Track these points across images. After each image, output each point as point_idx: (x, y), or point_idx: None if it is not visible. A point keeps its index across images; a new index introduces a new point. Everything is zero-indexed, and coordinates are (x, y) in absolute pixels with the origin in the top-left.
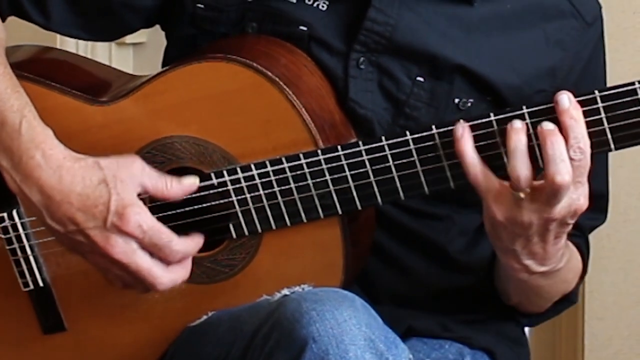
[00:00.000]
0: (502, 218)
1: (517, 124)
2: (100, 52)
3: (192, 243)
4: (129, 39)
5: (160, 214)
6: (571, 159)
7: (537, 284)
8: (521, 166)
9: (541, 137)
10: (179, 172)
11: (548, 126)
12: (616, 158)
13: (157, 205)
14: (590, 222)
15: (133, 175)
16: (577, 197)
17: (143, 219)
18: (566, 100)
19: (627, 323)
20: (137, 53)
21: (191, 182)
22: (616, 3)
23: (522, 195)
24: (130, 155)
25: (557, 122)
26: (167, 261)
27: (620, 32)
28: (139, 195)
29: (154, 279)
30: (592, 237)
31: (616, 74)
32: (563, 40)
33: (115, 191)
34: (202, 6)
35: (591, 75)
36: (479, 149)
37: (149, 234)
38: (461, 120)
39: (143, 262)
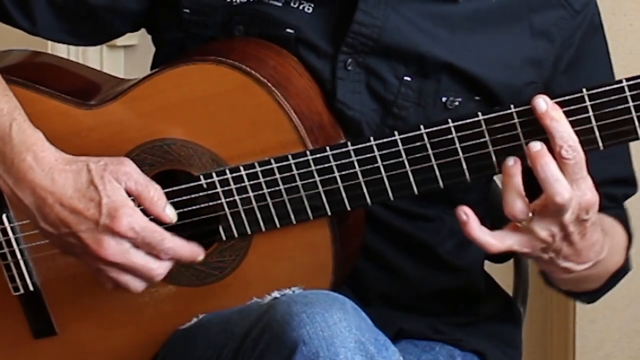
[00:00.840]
0: (521, 248)
1: (510, 161)
2: (91, 54)
3: (183, 240)
4: (120, 41)
5: (150, 217)
6: (564, 158)
7: (585, 275)
8: (514, 201)
9: (530, 160)
10: (168, 174)
11: (535, 147)
12: None
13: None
14: (623, 190)
15: (119, 179)
16: (582, 194)
17: (135, 220)
18: (542, 103)
19: (618, 325)
20: (128, 55)
21: (171, 215)
22: (607, 5)
23: (525, 223)
24: (121, 158)
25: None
26: (159, 257)
27: (611, 35)
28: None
29: (151, 272)
30: None
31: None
32: (549, 30)
33: (106, 193)
34: (187, 11)
35: (585, 60)
36: (467, 149)
37: (142, 235)
38: (461, 207)
39: (139, 259)
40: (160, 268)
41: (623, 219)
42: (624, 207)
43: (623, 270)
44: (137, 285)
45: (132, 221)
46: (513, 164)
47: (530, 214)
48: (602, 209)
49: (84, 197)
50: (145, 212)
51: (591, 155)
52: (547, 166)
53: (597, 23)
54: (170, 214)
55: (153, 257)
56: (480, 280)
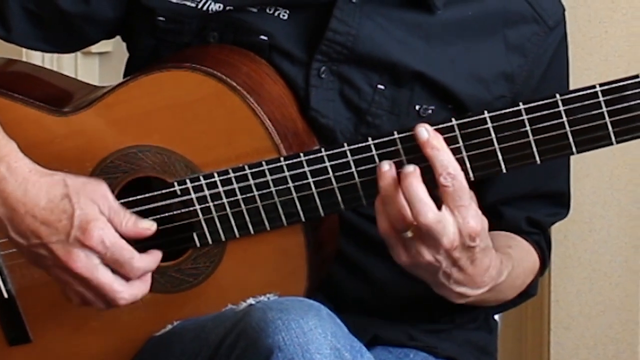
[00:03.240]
0: (407, 261)
1: (384, 166)
2: (66, 61)
3: (152, 259)
4: (94, 48)
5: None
6: (443, 185)
7: (482, 299)
8: (390, 211)
9: (400, 180)
10: (142, 181)
11: (408, 169)
12: (581, 167)
13: None
14: (551, 218)
15: (95, 200)
16: (463, 222)
17: (106, 235)
18: (424, 132)
19: (593, 332)
20: (103, 62)
21: (147, 227)
22: (582, 12)
23: (409, 234)
24: (99, 181)
25: (519, 125)
26: (127, 277)
27: (586, 42)
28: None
29: (115, 294)
30: (558, 246)
31: (582, 83)
32: (523, 45)
33: (79, 206)
34: (162, 19)
35: (553, 78)
36: None
37: (111, 250)
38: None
39: (105, 277)
40: (125, 293)
41: (541, 247)
42: (548, 234)
43: (526, 294)
44: (100, 304)
45: (102, 234)
46: (388, 169)
47: (410, 234)
48: (523, 232)
49: (57, 208)
50: (130, 204)
51: (530, 169)
52: (412, 186)
53: (565, 43)
54: (146, 225)
55: (121, 277)
56: None
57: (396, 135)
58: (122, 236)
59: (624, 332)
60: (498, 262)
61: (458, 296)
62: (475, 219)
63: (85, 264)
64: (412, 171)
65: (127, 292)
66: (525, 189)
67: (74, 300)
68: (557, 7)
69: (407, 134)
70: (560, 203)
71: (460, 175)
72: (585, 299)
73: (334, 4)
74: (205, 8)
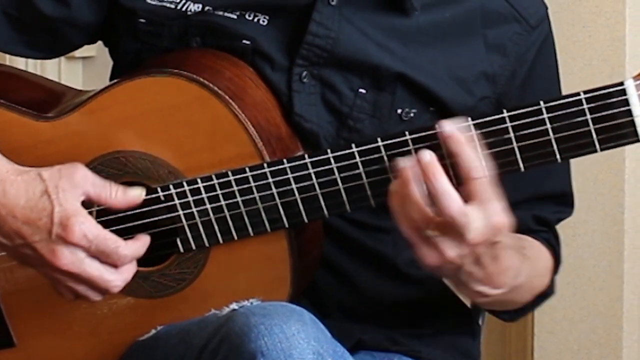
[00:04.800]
0: (435, 261)
1: (400, 164)
2: (49, 66)
3: (139, 244)
4: (78, 53)
5: (107, 229)
6: (472, 179)
7: (501, 300)
8: (410, 211)
9: (421, 171)
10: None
11: (424, 158)
12: None
13: (103, 220)
14: (557, 215)
15: (76, 184)
16: (489, 215)
17: (87, 228)
18: (447, 126)
19: (577, 337)
20: (86, 67)
21: (137, 194)
22: (566, 17)
23: (431, 232)
24: (74, 163)
25: (502, 132)
26: (115, 265)
27: (570, 46)
28: (83, 203)
29: (107, 283)
30: None
31: (566, 88)
32: (504, 45)
33: (58, 202)
34: (143, 21)
35: (537, 77)
36: None
37: (95, 243)
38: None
39: (93, 269)
40: (116, 280)
41: (552, 244)
42: (556, 231)
43: (545, 295)
44: (93, 296)
45: (84, 229)
46: (404, 167)
47: (433, 232)
48: (531, 231)
49: (36, 206)
50: (112, 210)
51: (528, 173)
52: (434, 178)
53: (551, 41)
54: (135, 194)
55: (109, 266)
56: (439, 292)
57: (380, 143)
58: (114, 208)
59: (608, 336)
60: (517, 262)
61: (478, 295)
62: (501, 214)
63: (71, 260)
64: (430, 160)
65: (119, 278)
66: (526, 193)
67: (67, 295)
68: (538, 6)
69: (391, 141)
70: (563, 202)
71: (484, 169)
72: (569, 303)
73: (312, 8)
74: (184, 9)
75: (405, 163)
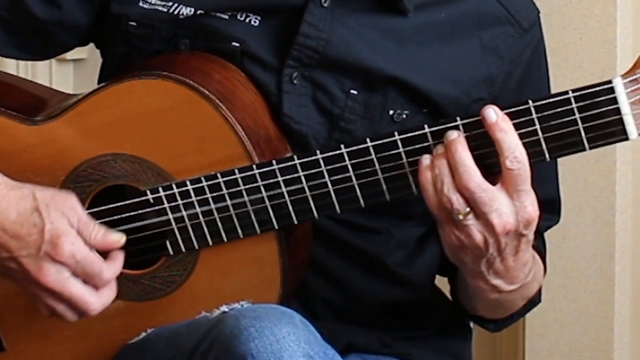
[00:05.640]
0: (455, 242)
1: (425, 160)
2: (40, 68)
3: (118, 265)
4: (69, 55)
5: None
6: (508, 169)
7: (507, 299)
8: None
9: (445, 146)
10: (115, 190)
11: (452, 135)
12: None
13: None
14: (545, 222)
15: (64, 213)
16: (522, 205)
17: (77, 249)
18: (492, 113)
19: (567, 340)
20: (77, 69)
21: (116, 239)
22: (557, 19)
23: (460, 217)
24: (68, 194)
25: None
26: (97, 287)
27: (561, 48)
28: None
29: (86, 305)
30: None
31: (557, 89)
32: (499, 47)
33: (49, 220)
34: (134, 24)
35: (532, 80)
36: (414, 162)
37: (82, 264)
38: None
39: (76, 289)
40: (96, 303)
41: (541, 253)
42: (544, 239)
43: (533, 302)
44: (70, 316)
45: (73, 249)
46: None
47: (467, 209)
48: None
49: (27, 222)
50: (102, 213)
51: None
52: (457, 152)
53: (543, 46)
54: (115, 237)
55: (91, 288)
56: (430, 294)
57: (369, 143)
58: (95, 244)
59: (599, 339)
60: (531, 260)
61: (492, 289)
62: (533, 206)
63: (56, 277)
64: (457, 137)
65: (98, 302)
66: None
67: (44, 311)
68: (530, 10)
69: (380, 141)
70: (550, 210)
71: (526, 160)
72: (560, 306)
73: (305, 9)
74: (176, 12)
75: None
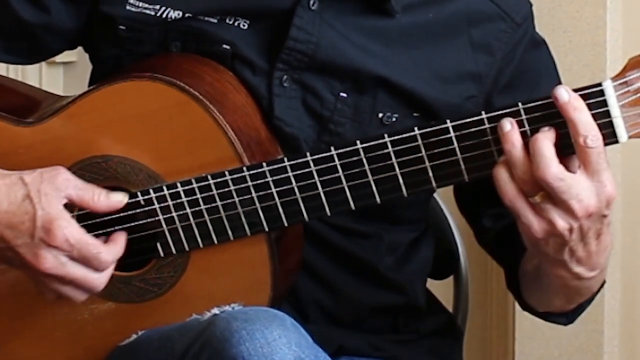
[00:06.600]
0: (539, 231)
1: (506, 126)
2: (30, 71)
3: (118, 246)
4: (59, 58)
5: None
6: (588, 147)
7: (585, 286)
8: (517, 173)
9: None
10: None
11: (506, 127)
12: None
13: (83, 225)
14: None
15: (58, 187)
16: (602, 185)
17: (70, 233)
18: (565, 93)
19: (557, 342)
20: (67, 72)
21: (119, 199)
22: (546, 22)
23: (537, 199)
24: (56, 167)
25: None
26: (97, 270)
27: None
28: (66, 206)
29: (92, 282)
30: None
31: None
32: (490, 44)
33: (40, 206)
34: (124, 28)
35: (528, 73)
36: (403, 164)
37: (77, 247)
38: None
39: (76, 271)
40: (100, 278)
41: None
42: None
43: (603, 284)
44: (78, 295)
45: (66, 233)
46: (510, 128)
47: (538, 198)
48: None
49: (19, 210)
50: (94, 214)
51: None
52: (537, 141)
53: (538, 39)
54: (117, 198)
55: (91, 268)
56: (421, 297)
57: (359, 145)
58: (96, 211)
59: (589, 342)
60: (610, 246)
61: (574, 277)
62: (612, 184)
63: (54, 263)
64: (546, 130)
65: (103, 276)
66: None
67: (49, 296)
68: (523, 3)
69: (370, 143)
70: None
71: (600, 137)
72: None
73: (293, 12)
74: (164, 15)
75: (509, 125)
